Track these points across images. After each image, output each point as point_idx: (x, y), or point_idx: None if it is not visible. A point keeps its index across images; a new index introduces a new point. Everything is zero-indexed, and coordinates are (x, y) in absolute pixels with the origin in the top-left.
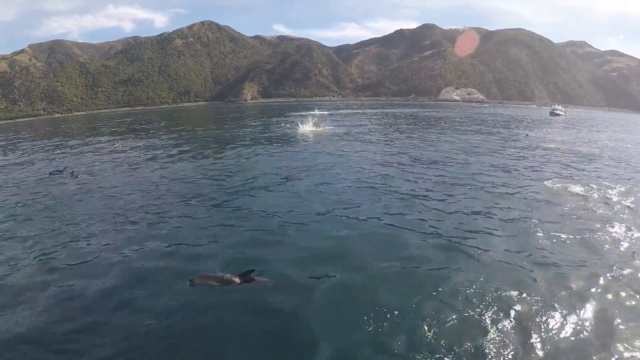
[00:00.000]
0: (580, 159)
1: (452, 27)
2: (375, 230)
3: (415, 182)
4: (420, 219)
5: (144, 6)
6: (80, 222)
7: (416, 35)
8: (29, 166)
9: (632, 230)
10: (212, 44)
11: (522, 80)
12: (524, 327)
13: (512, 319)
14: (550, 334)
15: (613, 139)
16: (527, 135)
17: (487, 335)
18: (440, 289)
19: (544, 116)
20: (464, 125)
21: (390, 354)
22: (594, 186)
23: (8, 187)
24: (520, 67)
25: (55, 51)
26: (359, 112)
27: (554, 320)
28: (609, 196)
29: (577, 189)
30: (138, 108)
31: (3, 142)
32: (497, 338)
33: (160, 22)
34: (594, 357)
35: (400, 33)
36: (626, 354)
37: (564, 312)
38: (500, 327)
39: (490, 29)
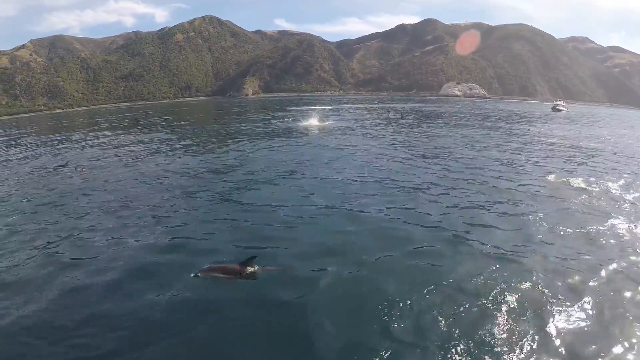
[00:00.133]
0: (582, 154)
1: (454, 22)
2: (380, 224)
3: (419, 176)
4: (425, 213)
5: (145, 1)
6: (85, 216)
7: (418, 30)
8: (32, 161)
9: (633, 223)
10: (213, 38)
11: (523, 75)
12: (526, 318)
13: (514, 310)
14: (553, 325)
15: (614, 135)
16: (529, 130)
17: (490, 325)
18: (444, 281)
19: (546, 112)
20: (466, 120)
21: (397, 342)
22: (596, 180)
23: (14, 181)
24: (522, 62)
25: (56, 46)
26: (360, 107)
27: (556, 310)
28: (610, 190)
29: (579, 183)
30: (139, 103)
31: (6, 138)
32: (501, 328)
33: (161, 16)
34: (593, 346)
35: (401, 28)
36: (626, 343)
37: (566, 303)
38: (503, 318)
39: (492, 24)
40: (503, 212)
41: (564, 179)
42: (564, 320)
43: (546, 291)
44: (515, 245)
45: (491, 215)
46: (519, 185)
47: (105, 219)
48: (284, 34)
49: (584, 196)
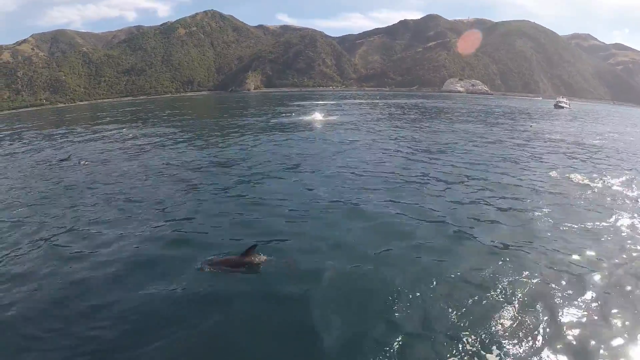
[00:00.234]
0: (585, 150)
1: (457, 18)
2: (385, 218)
3: (423, 171)
4: (430, 208)
5: None
6: (88, 209)
7: (420, 26)
8: (35, 154)
9: (635, 218)
10: (216, 33)
11: (526, 72)
12: (532, 311)
13: (520, 303)
14: (558, 318)
15: (617, 132)
16: (531, 126)
17: (496, 318)
18: (450, 275)
19: (549, 109)
20: (469, 117)
21: (404, 334)
22: (598, 177)
23: (17, 174)
24: (525, 59)
25: (58, 41)
26: (363, 103)
27: (562, 304)
28: (612, 186)
29: (582, 179)
30: (141, 98)
31: (9, 132)
32: (507, 320)
33: (163, 11)
34: (594, 340)
35: (404, 23)
36: (629, 336)
37: (571, 297)
38: (509, 310)
39: (495, 21)
40: (507, 208)
41: (567, 175)
42: (569, 313)
43: (551, 285)
44: (519, 240)
45: (495, 210)
46: (522, 181)
47: (109, 212)
48: (286, 29)
49: (587, 192)
